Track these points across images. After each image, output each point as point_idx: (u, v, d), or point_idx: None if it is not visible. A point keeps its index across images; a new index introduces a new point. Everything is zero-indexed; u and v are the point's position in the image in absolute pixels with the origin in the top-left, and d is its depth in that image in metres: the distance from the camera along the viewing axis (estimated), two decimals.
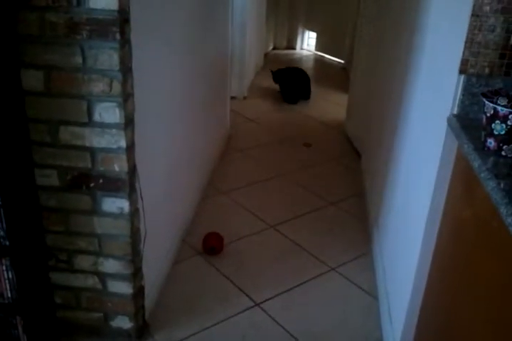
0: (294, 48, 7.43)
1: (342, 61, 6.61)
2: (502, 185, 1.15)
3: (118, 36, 1.61)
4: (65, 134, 1.77)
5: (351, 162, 3.93)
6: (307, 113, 4.96)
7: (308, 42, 7.44)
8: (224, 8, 3.68)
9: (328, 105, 5.24)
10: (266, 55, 6.84)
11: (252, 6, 5.09)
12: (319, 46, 7.21)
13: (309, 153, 4.11)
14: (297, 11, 7.14)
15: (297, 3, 7.09)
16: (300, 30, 7.34)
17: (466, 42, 1.49)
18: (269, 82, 5.53)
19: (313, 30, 7.24)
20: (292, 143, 4.26)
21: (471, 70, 1.52)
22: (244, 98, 5.25)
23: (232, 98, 4.91)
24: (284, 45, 7.44)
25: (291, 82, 5.31)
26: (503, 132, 1.29)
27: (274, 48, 7.39)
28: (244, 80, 5.20)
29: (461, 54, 1.51)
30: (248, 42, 5.08)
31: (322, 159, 3.98)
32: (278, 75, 5.35)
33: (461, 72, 1.52)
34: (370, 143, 3.49)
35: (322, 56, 7.07)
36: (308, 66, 6.71)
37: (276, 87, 5.42)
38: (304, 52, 7.38)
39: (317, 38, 7.24)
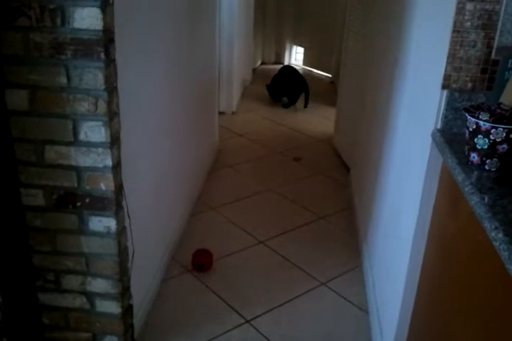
0: (282, 63, 7.46)
1: (330, 75, 6.65)
2: (485, 199, 1.15)
3: (103, 56, 1.61)
4: (51, 154, 1.76)
5: (340, 176, 3.93)
6: (296, 127, 4.97)
7: (296, 57, 7.49)
8: (211, 24, 3.70)
9: (317, 119, 5.26)
10: (254, 70, 6.87)
11: (239, 22, 5.12)
12: (307, 61, 7.25)
13: (299, 167, 4.11)
14: (285, 26, 7.19)
15: (284, 19, 7.14)
16: (288, 45, 7.38)
17: (448, 58, 1.51)
18: (257, 97, 5.55)
19: (300, 45, 7.28)
20: (281, 158, 4.27)
21: (454, 85, 1.53)
22: (233, 113, 5.26)
23: (221, 113, 4.93)
24: (272, 60, 7.48)
25: (279, 80, 5.50)
26: (485, 146, 1.30)
27: (263, 63, 7.43)
28: (232, 95, 5.21)
29: (443, 69, 1.52)
30: (236, 58, 5.11)
31: (311, 173, 3.99)
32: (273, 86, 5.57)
33: (444, 87, 1.54)
34: (358, 157, 3.50)
35: (310, 70, 7.11)
36: None
37: (266, 101, 5.49)
38: None
39: (305, 53, 7.28)
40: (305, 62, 7.29)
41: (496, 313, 1.13)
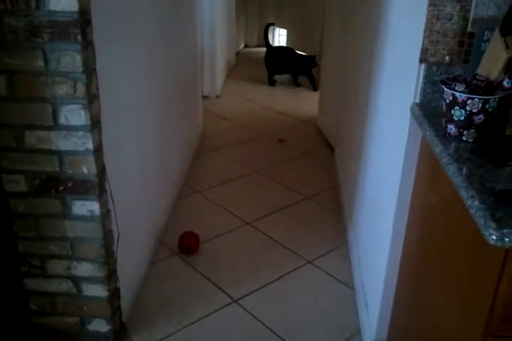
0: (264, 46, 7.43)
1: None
2: (463, 169, 1.17)
3: (80, 38, 1.60)
4: (31, 138, 1.75)
5: (325, 156, 3.94)
6: (281, 109, 4.96)
7: (279, 40, 7.45)
8: (192, 8, 3.67)
9: (302, 100, 5.26)
10: (237, 53, 6.84)
11: (221, 5, 5.08)
12: (290, 43, 7.21)
13: (284, 148, 4.12)
14: (267, 8, 7.14)
15: (266, 1, 7.09)
16: (270, 27, 7.33)
17: (424, 32, 1.52)
18: (241, 80, 5.53)
19: (283, 27, 7.24)
20: (267, 140, 4.27)
21: (431, 59, 1.54)
22: (217, 97, 5.24)
23: (205, 97, 4.92)
24: (255, 42, 7.44)
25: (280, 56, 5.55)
26: (462, 118, 1.31)
27: (246, 46, 7.39)
28: (216, 79, 5.18)
29: (420, 43, 1.53)
30: (218, 41, 5.07)
31: (296, 154, 4.00)
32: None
33: (422, 60, 1.54)
34: (342, 137, 3.51)
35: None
36: None
37: (250, 84, 5.49)
38: None
39: (288, 35, 7.25)
40: (288, 44, 7.25)
41: (473, 279, 1.15)
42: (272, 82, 5.66)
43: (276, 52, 5.60)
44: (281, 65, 5.56)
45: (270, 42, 5.71)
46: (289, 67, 5.54)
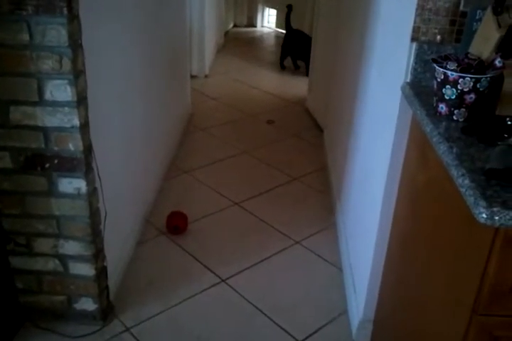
0: (254, 26, 7.37)
1: None
2: (453, 148, 1.16)
3: (65, 11, 1.56)
4: (16, 114, 1.72)
5: (314, 137, 3.93)
6: (270, 90, 4.93)
7: (268, 20, 7.38)
8: None
9: (290, 81, 5.23)
10: (226, 33, 6.77)
11: None
12: (280, 23, 7.15)
13: (272, 129, 4.10)
14: None
15: None
16: (260, 7, 7.27)
17: (417, 10, 1.50)
18: (230, 60, 5.48)
19: (273, 7, 7.17)
20: (255, 121, 4.24)
21: (423, 38, 1.52)
22: (206, 76, 5.20)
23: (193, 77, 4.88)
24: (244, 22, 7.37)
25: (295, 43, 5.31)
26: (453, 97, 1.30)
27: (235, 26, 7.32)
28: (204, 58, 5.13)
29: (412, 21, 1.51)
30: (207, 21, 5.01)
31: (285, 135, 3.98)
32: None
33: (413, 39, 1.53)
34: (331, 118, 3.50)
35: (283, 33, 7.02)
36: (269, 43, 6.67)
37: (239, 64, 5.40)
38: (265, 30, 7.33)
39: (277, 15, 7.18)
40: (278, 25, 7.19)
41: (461, 258, 1.15)
42: (283, 66, 5.53)
43: (296, 36, 5.33)
44: (298, 50, 5.28)
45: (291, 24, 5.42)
46: (305, 53, 5.06)
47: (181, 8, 3.73)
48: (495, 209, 0.94)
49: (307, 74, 4.77)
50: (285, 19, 5.40)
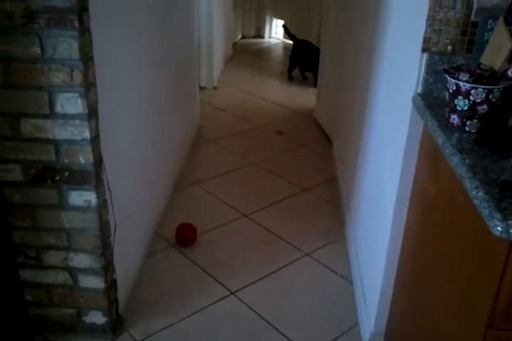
0: (262, 37, 7.39)
1: None
2: (466, 160, 1.15)
3: (77, 24, 1.57)
4: (27, 127, 1.72)
5: (323, 148, 3.92)
6: (278, 101, 4.93)
7: (276, 31, 7.40)
8: None
9: (299, 92, 5.23)
10: (235, 44, 6.80)
11: None
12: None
13: (281, 140, 4.09)
14: None
15: None
16: (268, 18, 7.29)
17: (427, 20, 1.49)
18: (238, 72, 5.49)
19: (281, 18, 7.20)
20: (264, 132, 4.24)
21: (434, 48, 1.52)
22: (214, 88, 5.21)
23: (202, 88, 4.89)
24: (252, 33, 7.40)
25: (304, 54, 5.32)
26: (465, 107, 1.29)
27: (243, 37, 7.34)
28: (213, 70, 5.15)
29: (423, 32, 1.50)
30: (215, 32, 5.03)
31: (294, 146, 3.97)
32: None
33: (424, 50, 1.52)
34: (340, 129, 3.49)
35: (291, 44, 7.04)
36: (277, 54, 6.69)
37: (247, 75, 5.42)
38: (273, 41, 7.35)
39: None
40: (285, 36, 7.20)
41: (475, 271, 1.13)
42: (291, 77, 5.52)
43: (304, 47, 5.34)
44: (306, 61, 5.26)
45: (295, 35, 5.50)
46: (313, 64, 5.00)
47: (190, 20, 3.74)
48: (510, 222, 0.93)
49: (315, 85, 4.76)
50: (287, 34, 5.55)
